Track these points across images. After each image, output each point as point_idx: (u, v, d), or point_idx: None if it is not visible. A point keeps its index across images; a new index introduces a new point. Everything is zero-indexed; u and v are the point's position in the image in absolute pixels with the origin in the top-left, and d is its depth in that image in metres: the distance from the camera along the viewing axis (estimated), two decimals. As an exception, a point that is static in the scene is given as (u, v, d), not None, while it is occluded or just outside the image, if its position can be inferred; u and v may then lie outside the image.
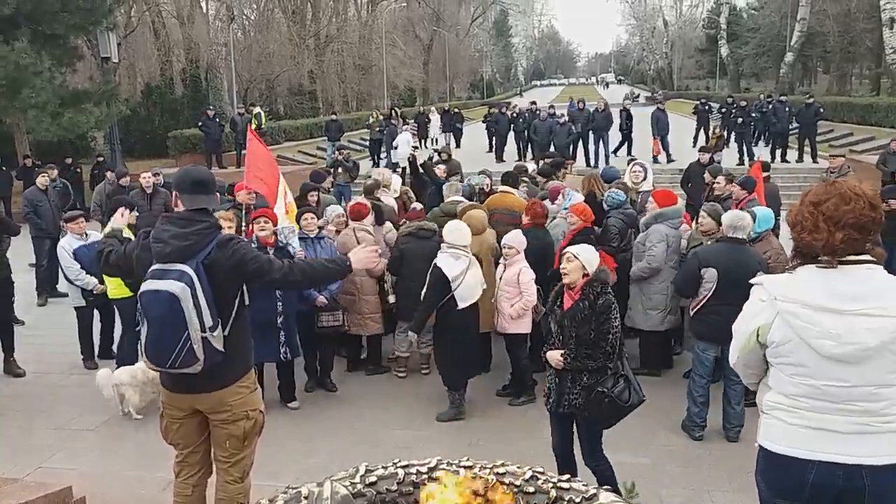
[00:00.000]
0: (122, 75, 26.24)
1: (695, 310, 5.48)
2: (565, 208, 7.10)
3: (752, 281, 2.68)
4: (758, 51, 49.51)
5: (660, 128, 19.37)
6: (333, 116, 23.24)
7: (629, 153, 18.59)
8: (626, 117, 20.42)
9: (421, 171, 9.48)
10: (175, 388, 3.41)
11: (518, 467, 2.55)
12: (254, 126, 18.24)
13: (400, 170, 13.77)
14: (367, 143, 21.09)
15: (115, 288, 6.56)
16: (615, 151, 19.46)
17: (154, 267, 3.21)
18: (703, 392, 5.45)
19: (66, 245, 7.01)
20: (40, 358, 7.51)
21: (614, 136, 19.74)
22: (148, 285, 3.19)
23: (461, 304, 5.72)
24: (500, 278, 6.12)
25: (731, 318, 4.99)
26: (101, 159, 17.62)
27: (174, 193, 3.45)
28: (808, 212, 2.44)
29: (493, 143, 21.36)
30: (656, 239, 6.33)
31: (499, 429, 5.73)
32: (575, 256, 4.26)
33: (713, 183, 8.23)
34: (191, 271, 3.15)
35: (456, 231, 5.86)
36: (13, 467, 5.17)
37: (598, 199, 7.41)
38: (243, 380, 3.43)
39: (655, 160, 18.51)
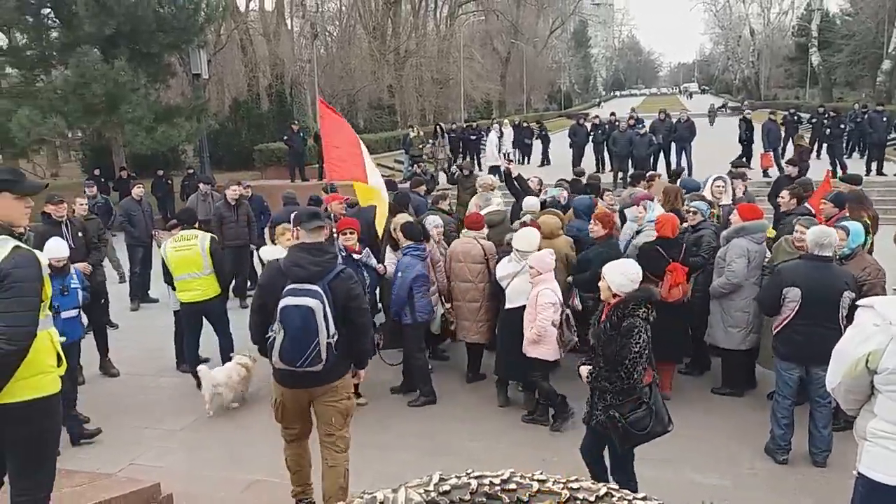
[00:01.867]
0: (211, 91, 27.39)
1: (777, 329, 5.26)
2: (650, 221, 6.96)
3: (860, 303, 2.54)
4: (852, 58, 47.17)
5: (771, 140, 18.60)
6: (411, 131, 23.58)
7: (748, 165, 17.88)
8: (747, 128, 19.64)
9: (515, 182, 9.54)
10: (296, 385, 4.12)
11: (592, 483, 2.52)
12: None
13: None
14: (407, 160, 20.34)
15: (206, 290, 6.87)
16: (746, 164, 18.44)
17: (290, 287, 3.88)
18: (787, 414, 5.23)
19: None
20: (132, 360, 7.90)
21: (700, 146, 19.13)
22: (288, 301, 3.86)
23: (507, 304, 6.14)
24: (528, 298, 5.93)
25: (815, 338, 4.92)
26: (191, 171, 18.42)
27: (295, 228, 4.26)
28: None
29: (573, 154, 21.05)
30: (736, 254, 6.12)
31: (573, 445, 5.64)
32: (603, 277, 4.30)
33: (781, 198, 7.82)
34: (321, 291, 3.88)
35: (519, 237, 6.22)
36: (106, 463, 5.47)
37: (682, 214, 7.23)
38: (348, 373, 4.26)
39: (765, 174, 17.74)
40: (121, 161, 19.17)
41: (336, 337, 3.95)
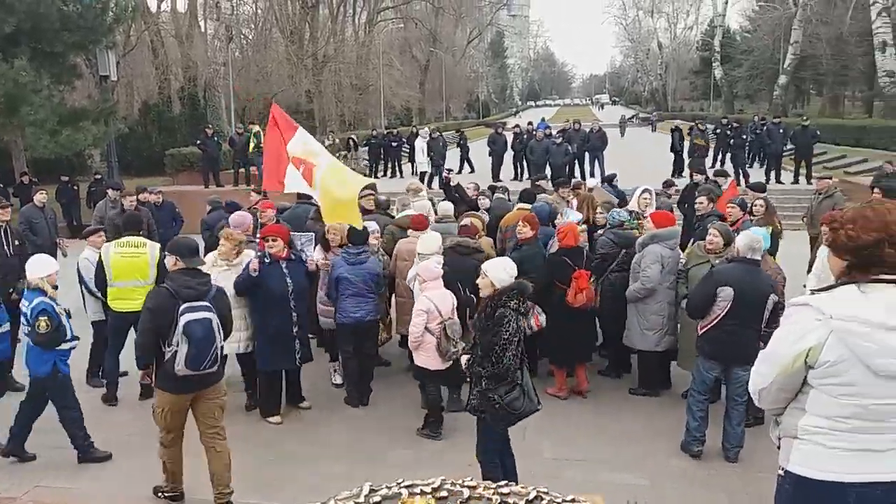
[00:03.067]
0: (120, 93, 26.35)
1: (705, 328, 5.46)
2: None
3: (792, 301, 2.60)
4: (751, 73, 49.91)
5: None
6: (332, 136, 23.40)
7: (681, 174, 18.52)
8: (679, 138, 20.20)
9: (454, 190, 9.67)
10: (193, 389, 4.70)
11: (522, 487, 2.56)
12: (252, 145, 18.34)
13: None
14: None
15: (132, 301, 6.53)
16: (678, 174, 18.71)
17: (186, 305, 4.49)
18: (702, 408, 5.48)
19: (90, 257, 6.98)
20: (37, 376, 7.45)
21: (612, 156, 19.77)
22: (189, 317, 4.47)
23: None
24: None
25: (742, 339, 5.14)
26: (98, 177, 17.67)
27: (174, 256, 4.75)
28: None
29: (492, 162, 21.31)
30: (651, 260, 6.36)
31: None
32: (485, 274, 4.63)
33: (699, 203, 8.20)
34: (210, 305, 4.60)
35: (421, 241, 6.46)
36: (10, 485, 5.15)
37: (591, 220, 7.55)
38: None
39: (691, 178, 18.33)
40: (21, 166, 18.18)
41: (223, 342, 4.72)
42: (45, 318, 5.18)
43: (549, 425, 5.99)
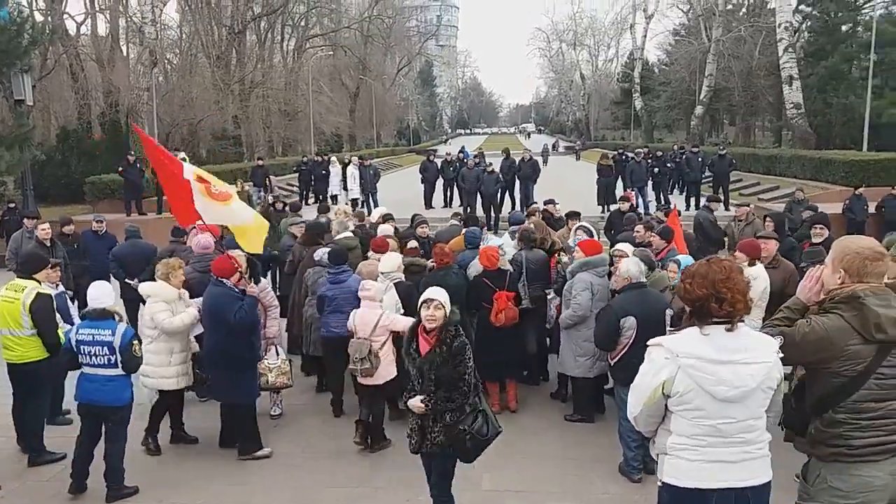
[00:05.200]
0: (36, 118, 25.26)
1: (617, 358, 5.67)
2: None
3: (650, 342, 3.08)
4: (669, 104, 52.05)
5: (634, 180, 19.32)
6: (259, 162, 23.04)
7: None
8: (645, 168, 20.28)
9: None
10: None
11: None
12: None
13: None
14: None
15: (25, 352, 5.99)
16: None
17: None
18: (634, 436, 5.55)
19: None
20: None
21: (540, 183, 20.10)
22: None
23: None
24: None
25: None
26: (12, 206, 16.82)
27: None
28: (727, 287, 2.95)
29: (424, 190, 21.37)
30: (580, 287, 6.51)
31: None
32: (442, 305, 4.43)
33: (633, 231, 8.49)
34: None
35: (384, 260, 7.15)
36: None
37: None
38: None
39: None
40: (-74, 194, 17.15)
41: None
42: (137, 342, 5.32)
43: (485, 456, 5.94)
